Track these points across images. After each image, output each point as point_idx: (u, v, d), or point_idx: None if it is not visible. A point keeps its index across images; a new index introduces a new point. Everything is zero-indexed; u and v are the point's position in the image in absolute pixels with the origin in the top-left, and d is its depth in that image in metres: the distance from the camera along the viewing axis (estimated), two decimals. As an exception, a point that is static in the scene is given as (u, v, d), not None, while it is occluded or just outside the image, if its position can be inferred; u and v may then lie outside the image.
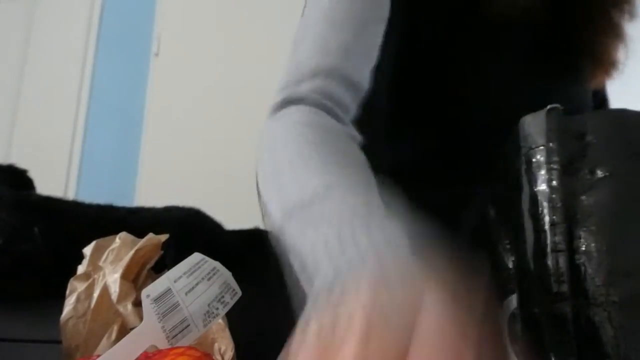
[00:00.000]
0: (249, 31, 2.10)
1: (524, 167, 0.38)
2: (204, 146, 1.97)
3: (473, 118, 0.61)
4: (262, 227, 0.76)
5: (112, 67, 2.14)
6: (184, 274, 0.39)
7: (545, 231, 0.35)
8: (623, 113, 0.37)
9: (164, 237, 0.51)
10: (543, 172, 0.36)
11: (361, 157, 0.46)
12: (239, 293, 0.42)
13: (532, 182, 0.37)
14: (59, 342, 0.47)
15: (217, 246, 0.67)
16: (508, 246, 0.40)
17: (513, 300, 0.39)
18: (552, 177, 0.36)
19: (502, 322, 0.40)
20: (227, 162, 1.95)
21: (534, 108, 0.39)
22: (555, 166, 0.36)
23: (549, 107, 0.37)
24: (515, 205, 0.38)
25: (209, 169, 1.93)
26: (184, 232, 0.62)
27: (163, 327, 0.37)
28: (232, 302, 0.41)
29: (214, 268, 0.41)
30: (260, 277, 0.65)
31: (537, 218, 0.36)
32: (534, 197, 0.36)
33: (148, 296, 0.37)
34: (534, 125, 0.38)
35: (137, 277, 0.50)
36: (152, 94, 2.05)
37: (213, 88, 2.02)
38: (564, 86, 0.64)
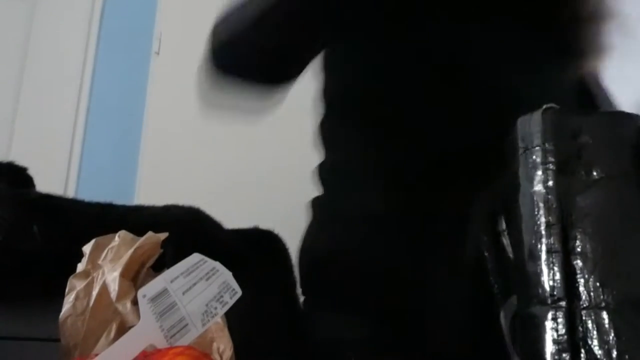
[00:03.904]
0: (250, 30, 2.09)
1: (521, 167, 0.37)
2: (204, 145, 1.96)
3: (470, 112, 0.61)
4: (262, 227, 0.76)
5: (113, 66, 2.14)
6: (182, 274, 0.39)
7: (540, 232, 0.35)
8: (619, 114, 0.37)
9: (163, 236, 0.51)
10: (539, 172, 0.36)
11: None
12: (239, 293, 0.42)
13: (529, 182, 0.36)
14: (58, 340, 0.47)
15: (216, 245, 0.67)
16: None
17: (515, 300, 0.38)
18: (548, 177, 0.35)
19: (505, 320, 0.40)
20: (227, 162, 1.94)
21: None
22: (551, 166, 0.36)
23: (545, 106, 0.37)
24: (515, 206, 0.38)
25: (209, 168, 1.93)
26: (184, 230, 0.62)
27: (161, 326, 0.37)
28: (231, 302, 0.41)
29: (213, 268, 0.41)
30: (260, 276, 0.65)
31: (533, 219, 0.36)
32: (530, 198, 0.36)
33: (144, 296, 0.38)
34: (530, 125, 0.37)
35: (137, 275, 0.49)
36: (153, 93, 2.04)
37: (214, 87, 2.02)
38: (549, 72, 0.63)
